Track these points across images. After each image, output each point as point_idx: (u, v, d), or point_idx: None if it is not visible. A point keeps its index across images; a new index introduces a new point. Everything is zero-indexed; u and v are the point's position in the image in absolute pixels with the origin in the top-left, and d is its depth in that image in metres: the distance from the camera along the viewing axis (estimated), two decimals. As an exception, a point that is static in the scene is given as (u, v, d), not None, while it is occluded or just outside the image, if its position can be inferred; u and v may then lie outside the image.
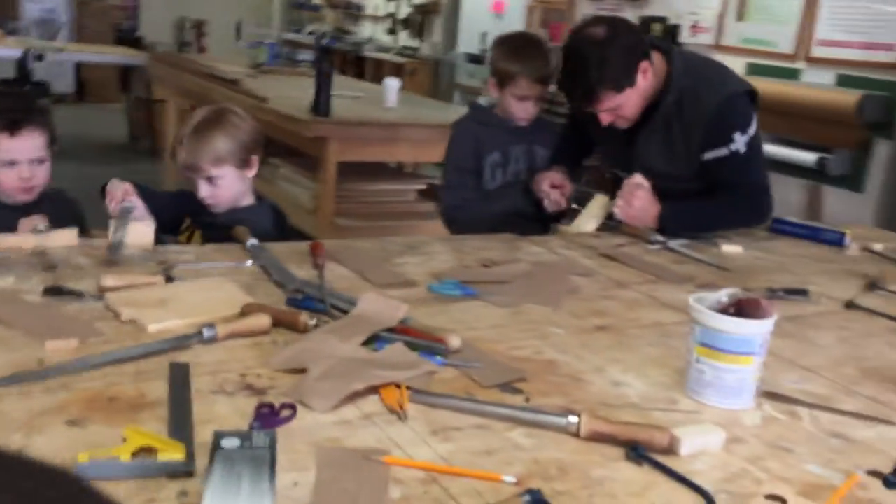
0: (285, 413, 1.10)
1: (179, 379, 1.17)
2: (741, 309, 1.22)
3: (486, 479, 0.97)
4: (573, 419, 1.09)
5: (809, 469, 1.06)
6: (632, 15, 6.22)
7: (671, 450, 1.06)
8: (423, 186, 4.20)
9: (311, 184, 4.00)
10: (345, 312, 1.43)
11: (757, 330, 1.20)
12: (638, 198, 2.03)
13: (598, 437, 1.08)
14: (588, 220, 2.19)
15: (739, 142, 2.03)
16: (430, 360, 1.27)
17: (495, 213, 2.40)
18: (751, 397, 1.22)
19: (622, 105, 2.00)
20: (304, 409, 1.10)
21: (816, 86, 4.64)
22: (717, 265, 1.95)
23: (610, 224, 2.18)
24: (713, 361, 1.21)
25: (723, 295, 1.26)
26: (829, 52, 4.78)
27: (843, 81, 4.66)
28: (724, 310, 1.23)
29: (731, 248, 2.09)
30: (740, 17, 5.35)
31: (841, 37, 4.69)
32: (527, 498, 0.92)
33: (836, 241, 2.24)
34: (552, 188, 2.20)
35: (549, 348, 1.39)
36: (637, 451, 1.04)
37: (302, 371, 1.20)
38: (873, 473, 1.06)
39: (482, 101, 2.59)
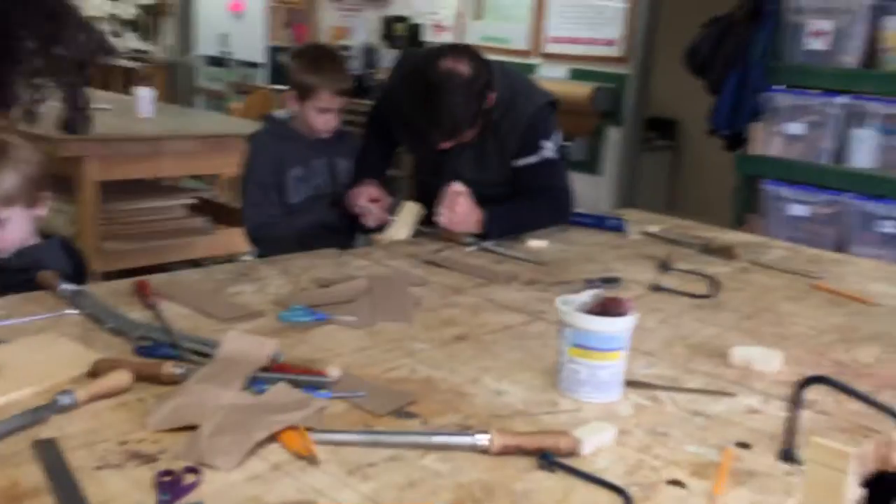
0: (190, 478, 1.03)
1: (52, 459, 1.06)
2: (605, 308, 1.32)
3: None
4: (483, 437, 1.12)
5: (689, 450, 1.18)
6: (374, 15, 6.32)
7: (574, 452, 1.13)
8: (192, 201, 4.02)
9: (69, 207, 3.68)
10: (204, 355, 1.36)
11: (624, 326, 1.30)
12: (460, 204, 2.10)
13: (507, 451, 1.12)
14: (400, 228, 2.23)
15: (549, 148, 2.17)
16: (317, 396, 1.25)
17: (302, 229, 2.37)
18: (620, 389, 1.33)
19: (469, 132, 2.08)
20: (209, 469, 1.04)
21: (552, 79, 5.01)
22: (534, 261, 2.07)
23: (426, 231, 2.23)
24: (587, 360, 1.30)
25: (586, 296, 1.36)
26: (560, 48, 5.17)
27: (576, 75, 5.08)
28: (590, 310, 1.32)
29: (537, 244, 2.22)
30: (477, 16, 5.63)
31: (570, 33, 5.09)
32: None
33: (618, 228, 2.45)
34: (371, 202, 2.21)
35: (420, 365, 1.41)
36: (547, 459, 1.10)
37: (188, 428, 1.13)
38: (741, 445, 1.20)
39: (278, 113, 2.54)
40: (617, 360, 1.31)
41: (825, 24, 3.59)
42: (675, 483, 1.08)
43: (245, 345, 1.36)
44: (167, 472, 1.03)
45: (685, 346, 1.58)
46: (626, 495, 1.03)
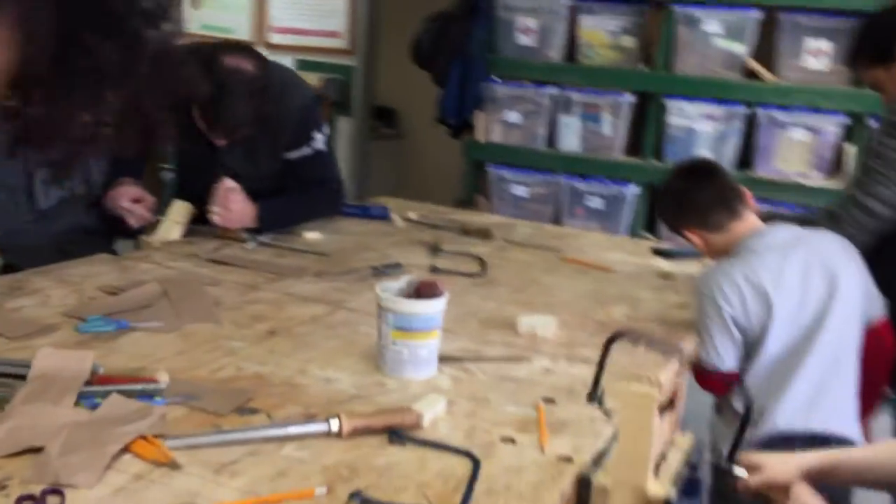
0: (54, 500, 1.01)
1: None
2: (420, 291, 1.45)
3: (303, 496, 1.05)
4: (335, 422, 1.20)
5: (509, 410, 1.34)
6: None
7: (417, 425, 1.24)
8: None
9: None
10: (16, 377, 1.29)
11: (439, 307, 1.43)
12: (233, 201, 2.10)
13: (357, 432, 1.21)
14: (171, 228, 2.19)
15: (319, 140, 2.23)
16: (154, 404, 1.24)
17: (58, 234, 2.23)
18: (436, 365, 1.46)
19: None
20: (70, 489, 1.03)
21: (279, 69, 5.01)
22: (316, 252, 2.14)
23: (198, 229, 2.21)
24: (409, 341, 1.42)
25: (402, 282, 1.47)
26: (286, 38, 5.18)
27: (304, 66, 5.13)
28: (409, 295, 1.44)
29: (312, 235, 2.29)
30: (195, 3, 5.47)
31: (295, 24, 5.13)
32: (357, 500, 1.03)
33: (384, 216, 2.59)
34: (134, 203, 2.14)
35: (245, 363, 1.44)
36: (397, 434, 1.21)
37: (31, 451, 1.09)
38: (548, 400, 1.38)
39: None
40: (434, 339, 1.44)
41: (531, 22, 3.97)
42: (508, 440, 1.24)
43: (60, 361, 1.31)
44: (28, 497, 1.00)
45: (477, 320, 1.75)
46: (473, 457, 1.17)
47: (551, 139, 3.96)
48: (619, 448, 1.15)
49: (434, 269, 2.06)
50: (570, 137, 3.94)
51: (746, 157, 3.49)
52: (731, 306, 1.71)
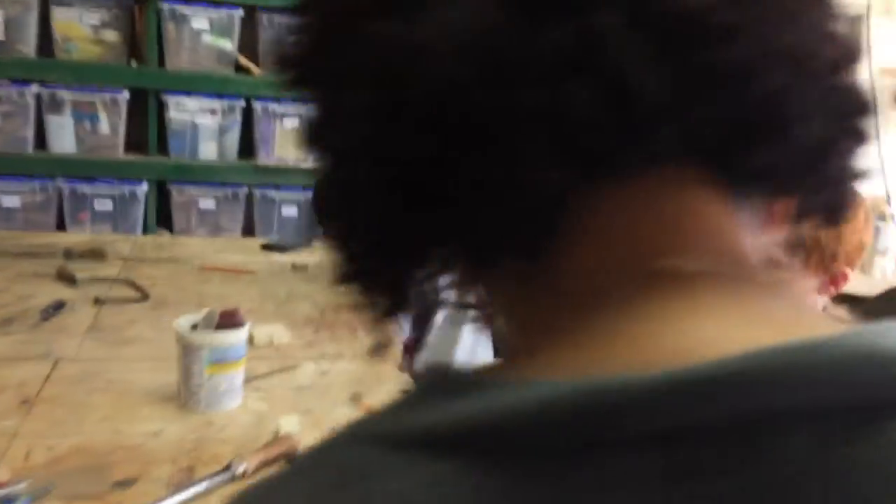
0: None
1: None
2: (223, 322, 1.44)
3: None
4: (241, 465, 1.19)
5: (342, 411, 1.46)
6: None
7: (297, 447, 1.30)
8: None
9: None
10: None
11: (245, 334, 1.45)
12: None
13: (259, 468, 1.22)
14: None
15: None
16: (23, 509, 1.07)
17: None
18: (241, 390, 1.47)
19: None
20: None
21: None
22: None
23: None
24: (224, 373, 1.41)
25: (195, 318, 1.44)
26: None
27: None
28: (215, 327, 1.42)
29: None
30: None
31: None
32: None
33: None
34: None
35: (41, 440, 1.26)
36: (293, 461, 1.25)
37: None
38: (357, 396, 1.53)
39: None
40: (243, 365, 1.45)
41: (-3, 14, 3.60)
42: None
43: None
44: None
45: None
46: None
47: (41, 141, 3.68)
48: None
49: (99, 301, 1.92)
50: (64, 138, 3.72)
51: (249, 147, 3.75)
52: None
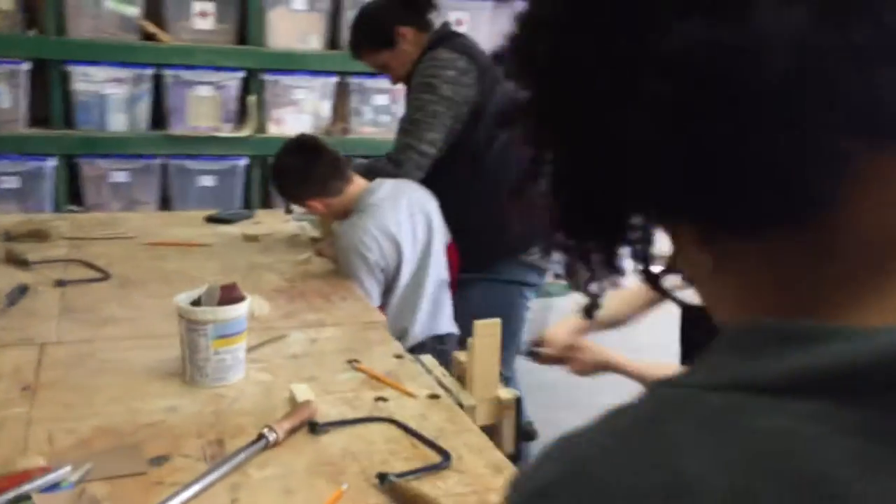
0: None
1: None
2: (224, 297, 1.45)
3: (336, 499, 1.12)
4: (272, 434, 1.23)
5: (343, 378, 1.50)
6: None
7: (316, 412, 1.33)
8: None
9: None
10: None
11: (246, 308, 1.46)
12: None
13: (291, 432, 1.26)
14: None
15: None
16: (67, 489, 1.07)
17: None
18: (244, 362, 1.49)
19: None
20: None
21: None
22: None
23: None
24: (230, 347, 1.43)
25: (196, 293, 1.44)
26: None
27: None
28: (218, 302, 1.43)
29: None
30: None
31: None
32: (389, 480, 1.15)
33: None
34: None
35: (60, 424, 1.26)
36: (316, 424, 1.29)
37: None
38: (354, 361, 1.57)
39: None
40: (245, 338, 1.47)
41: None
42: (381, 399, 1.42)
43: None
44: None
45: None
46: (392, 421, 1.34)
47: None
48: (475, 372, 1.47)
49: (61, 283, 1.87)
50: None
51: (160, 117, 3.65)
52: (373, 254, 2.06)
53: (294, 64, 3.66)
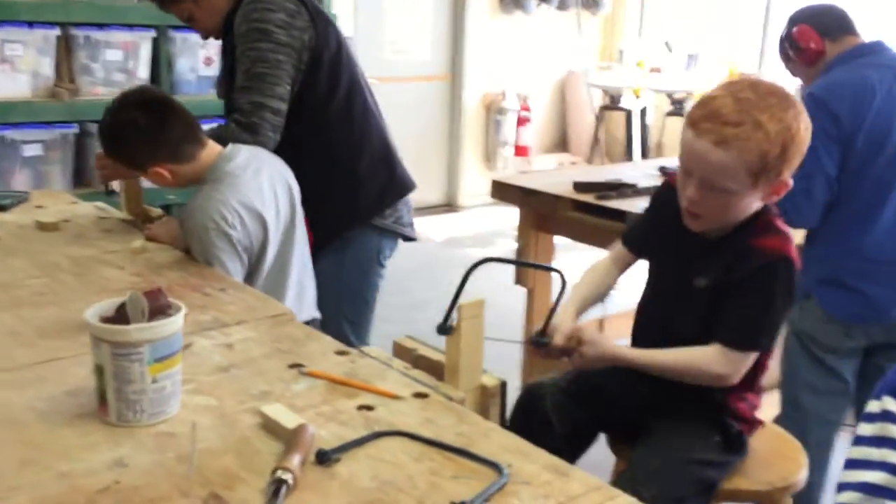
0: None
1: None
2: (152, 308, 1.10)
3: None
4: (288, 476, 0.95)
5: (297, 388, 1.22)
6: None
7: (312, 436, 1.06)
8: None
9: None
10: None
11: (182, 318, 1.13)
12: None
13: (301, 466, 0.99)
14: None
15: None
16: None
17: None
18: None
19: None
20: None
21: None
22: None
23: None
24: (169, 370, 1.09)
25: (106, 307, 1.09)
26: None
27: None
28: (146, 316, 1.08)
29: None
30: None
31: None
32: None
33: None
34: None
35: None
36: (324, 453, 1.03)
37: None
38: (297, 365, 1.29)
39: None
40: (180, 360, 1.14)
41: None
42: (365, 408, 1.18)
43: None
44: None
45: (53, 329, 1.35)
46: (405, 433, 1.11)
47: None
48: (462, 359, 1.27)
49: None
50: None
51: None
52: (236, 231, 1.73)
53: (5, 14, 3.02)
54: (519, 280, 2.95)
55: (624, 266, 1.68)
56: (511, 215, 3.09)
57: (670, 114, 6.15)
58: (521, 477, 1.01)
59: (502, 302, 2.78)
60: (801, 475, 1.51)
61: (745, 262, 1.43)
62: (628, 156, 6.38)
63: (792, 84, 4.75)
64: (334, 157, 2.10)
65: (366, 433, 1.09)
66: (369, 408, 1.17)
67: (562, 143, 7.00)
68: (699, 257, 1.49)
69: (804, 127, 1.37)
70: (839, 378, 2.24)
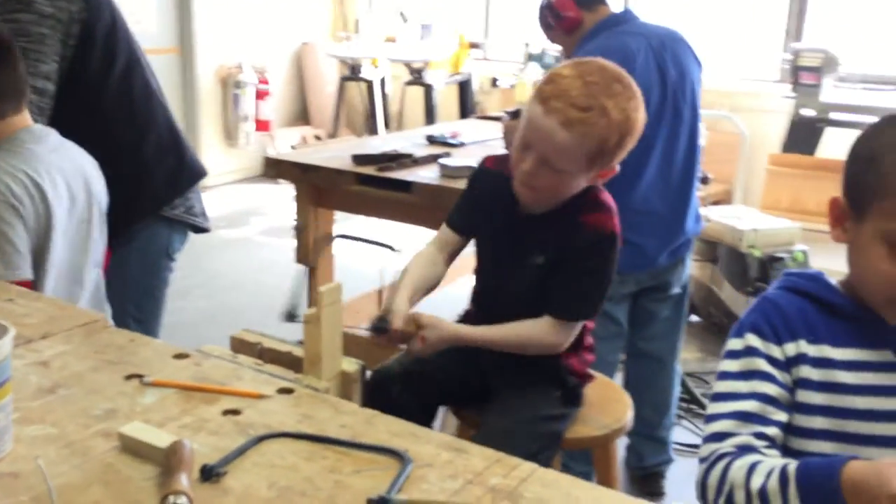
0: None
1: None
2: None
3: None
4: (180, 497, 0.85)
5: (146, 401, 1.09)
6: None
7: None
8: None
9: None
10: None
11: (11, 339, 0.95)
12: None
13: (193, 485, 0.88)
14: None
15: None
16: None
17: None
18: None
19: None
20: None
21: None
22: None
23: None
24: (1, 401, 0.93)
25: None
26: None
27: None
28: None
29: None
30: None
31: None
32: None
33: None
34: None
35: None
36: (212, 468, 0.93)
37: None
38: (136, 376, 1.15)
39: None
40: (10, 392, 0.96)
41: None
42: (231, 412, 1.08)
43: None
44: None
45: None
46: (304, 435, 1.03)
47: None
48: (323, 348, 1.20)
49: None
50: None
51: None
52: (24, 206, 1.52)
53: None
54: (301, 259, 2.87)
55: (452, 250, 1.64)
56: (259, 192, 2.98)
57: (409, 83, 6.25)
58: (422, 460, 0.98)
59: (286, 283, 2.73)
60: (630, 414, 1.61)
61: (576, 237, 1.48)
62: (372, 127, 6.41)
63: (552, 51, 5.00)
64: (115, 142, 1.90)
65: (244, 440, 1.00)
66: (235, 412, 1.08)
67: (303, 116, 6.88)
68: (531, 233, 1.52)
69: (641, 117, 1.43)
70: (615, 322, 2.41)
